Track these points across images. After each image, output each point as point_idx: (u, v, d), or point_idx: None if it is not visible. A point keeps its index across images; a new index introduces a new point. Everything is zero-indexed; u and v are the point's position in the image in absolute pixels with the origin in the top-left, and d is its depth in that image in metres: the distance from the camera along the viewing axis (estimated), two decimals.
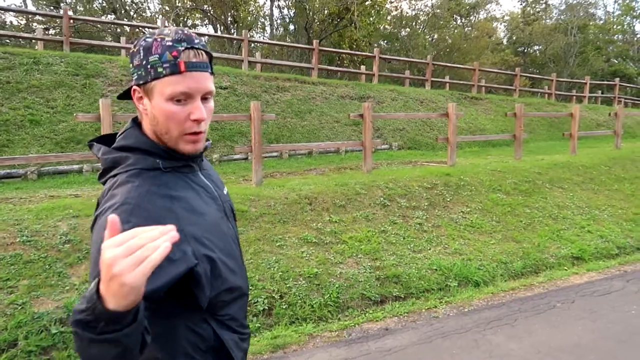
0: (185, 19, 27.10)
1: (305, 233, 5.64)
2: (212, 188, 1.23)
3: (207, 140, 1.21)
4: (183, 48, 1.06)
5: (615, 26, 40.50)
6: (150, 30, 1.12)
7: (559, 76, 29.78)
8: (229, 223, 1.24)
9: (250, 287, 4.53)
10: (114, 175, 1.09)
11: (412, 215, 6.55)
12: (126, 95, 1.18)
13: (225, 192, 1.31)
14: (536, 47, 39.16)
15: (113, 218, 0.82)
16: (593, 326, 4.18)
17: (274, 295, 4.58)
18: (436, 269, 5.50)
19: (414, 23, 33.54)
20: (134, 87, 1.12)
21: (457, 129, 8.62)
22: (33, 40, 13.23)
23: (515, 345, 3.83)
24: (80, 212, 5.25)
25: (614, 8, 45.19)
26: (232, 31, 24.59)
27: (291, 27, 29.77)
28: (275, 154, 10.37)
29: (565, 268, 6.03)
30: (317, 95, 12.85)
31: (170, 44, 1.06)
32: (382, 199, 6.70)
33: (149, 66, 1.07)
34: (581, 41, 35.49)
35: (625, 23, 41.31)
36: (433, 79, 17.83)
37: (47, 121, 8.65)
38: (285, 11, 29.74)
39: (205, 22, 28.41)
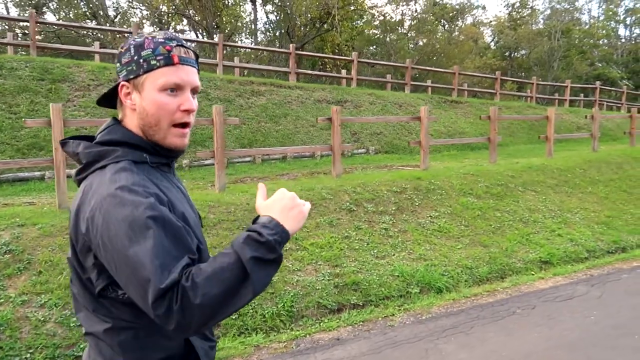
0: (167, 25, 26.90)
1: None
2: (186, 191, 1.28)
3: None
4: (175, 44, 1.13)
5: (599, 30, 40.84)
6: (139, 32, 1.06)
7: (544, 80, 29.92)
8: (201, 228, 1.28)
9: None
10: (102, 167, 1.09)
11: (378, 220, 6.40)
12: (105, 101, 1.20)
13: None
14: (522, 52, 39.37)
15: (263, 184, 1.15)
16: (549, 334, 4.05)
17: None
18: (398, 275, 5.35)
19: (399, 28, 33.58)
20: (122, 83, 1.14)
21: (433, 133, 8.50)
22: (9, 46, 12.94)
23: (465, 354, 3.69)
24: (28, 220, 5.05)
25: (598, 13, 45.61)
26: (214, 36, 24.43)
27: (277, 32, 29.67)
28: (248, 158, 10.20)
29: (532, 273, 5.91)
30: (294, 100, 12.70)
31: (162, 40, 1.12)
32: (348, 203, 6.55)
33: (141, 60, 1.11)
34: (565, 45, 35.72)
35: (610, 27, 41.72)
36: (413, 82, 17.76)
37: (8, 127, 8.41)
38: (271, 16, 29.69)
39: (189, 28, 28.24)
